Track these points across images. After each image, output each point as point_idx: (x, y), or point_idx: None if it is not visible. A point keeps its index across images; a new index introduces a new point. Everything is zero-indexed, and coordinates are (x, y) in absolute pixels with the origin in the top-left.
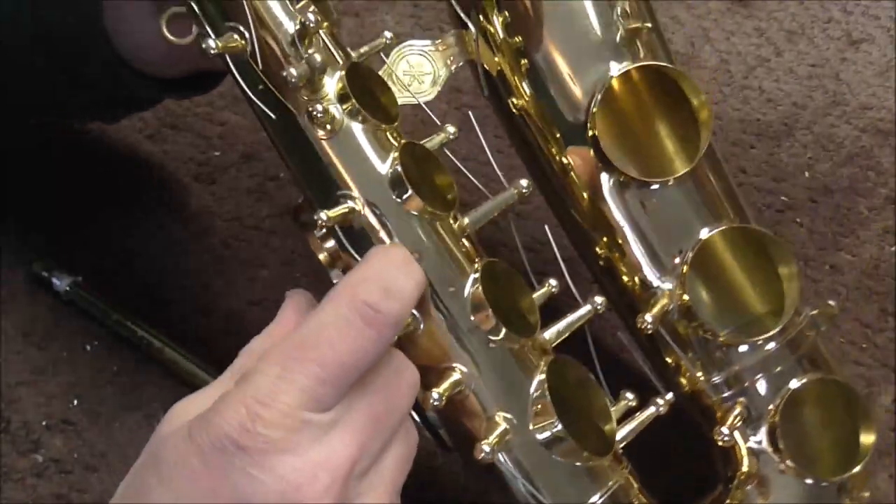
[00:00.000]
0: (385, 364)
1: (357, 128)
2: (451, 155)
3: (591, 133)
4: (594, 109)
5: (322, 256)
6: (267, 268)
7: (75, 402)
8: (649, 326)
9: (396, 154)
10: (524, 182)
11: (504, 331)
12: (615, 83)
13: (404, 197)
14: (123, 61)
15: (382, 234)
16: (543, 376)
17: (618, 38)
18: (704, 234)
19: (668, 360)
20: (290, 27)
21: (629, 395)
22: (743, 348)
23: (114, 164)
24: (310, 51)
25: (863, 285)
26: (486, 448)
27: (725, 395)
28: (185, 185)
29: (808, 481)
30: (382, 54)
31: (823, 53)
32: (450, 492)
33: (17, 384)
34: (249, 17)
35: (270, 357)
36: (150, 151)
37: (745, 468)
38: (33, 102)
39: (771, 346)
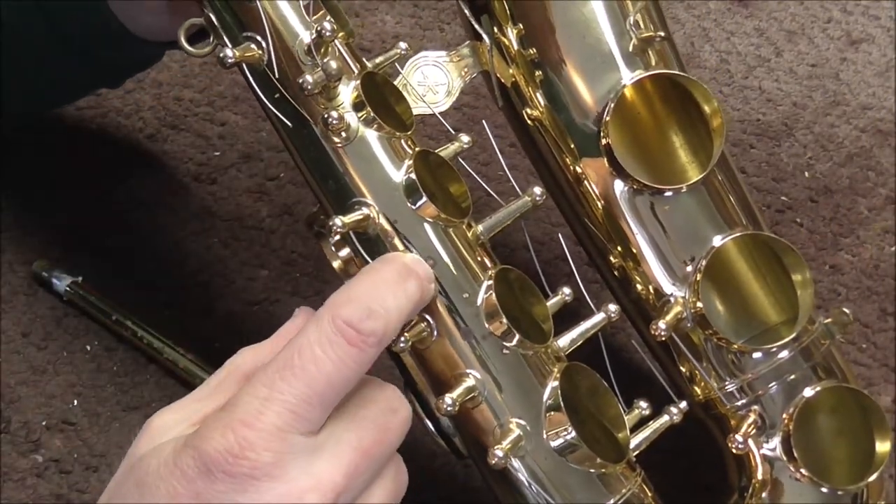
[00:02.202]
0: (378, 398)
1: (372, 135)
2: (464, 163)
3: (604, 142)
4: (607, 118)
5: (336, 264)
6: (267, 268)
7: (75, 402)
8: (662, 333)
9: (411, 162)
10: (538, 190)
11: (517, 337)
12: (628, 92)
13: (418, 204)
14: (127, 31)
15: (396, 241)
16: (557, 383)
17: (630, 48)
18: (717, 241)
19: (682, 368)
20: (307, 37)
21: (643, 404)
22: (757, 356)
23: (114, 164)
24: (325, 59)
25: (863, 285)
26: (499, 453)
27: (739, 403)
28: (185, 185)
29: (824, 490)
30: (398, 65)
31: (823, 53)
32: (449, 492)
33: (17, 384)
34: (266, 26)
35: (257, 379)
36: (150, 151)
37: (759, 476)
38: (41, 80)
39: (784, 353)
